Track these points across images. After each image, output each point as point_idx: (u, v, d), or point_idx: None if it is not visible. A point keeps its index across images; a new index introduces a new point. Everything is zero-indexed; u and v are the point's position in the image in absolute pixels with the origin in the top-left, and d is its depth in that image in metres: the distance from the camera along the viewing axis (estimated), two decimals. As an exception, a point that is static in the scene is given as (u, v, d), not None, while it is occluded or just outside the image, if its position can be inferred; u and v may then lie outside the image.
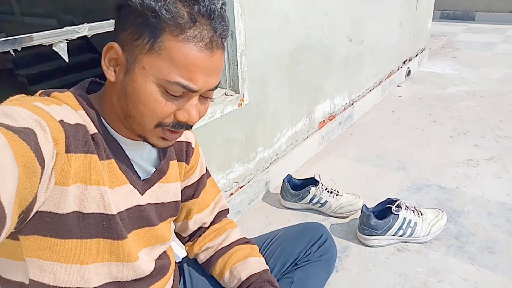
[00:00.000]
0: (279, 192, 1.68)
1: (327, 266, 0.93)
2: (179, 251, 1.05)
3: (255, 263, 0.83)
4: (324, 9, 1.83)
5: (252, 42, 1.42)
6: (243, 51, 1.38)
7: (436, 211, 1.46)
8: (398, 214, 1.38)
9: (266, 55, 1.53)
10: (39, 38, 0.90)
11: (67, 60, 0.96)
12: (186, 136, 0.79)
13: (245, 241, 0.88)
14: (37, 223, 0.53)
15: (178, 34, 0.52)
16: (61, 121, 0.51)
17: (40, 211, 0.52)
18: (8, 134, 0.40)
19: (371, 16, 2.33)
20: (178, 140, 0.76)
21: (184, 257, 0.93)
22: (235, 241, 0.87)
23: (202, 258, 0.86)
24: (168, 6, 0.51)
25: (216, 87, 0.60)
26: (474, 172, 1.83)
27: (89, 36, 0.99)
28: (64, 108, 0.55)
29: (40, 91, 0.59)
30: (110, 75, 0.57)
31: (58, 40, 0.93)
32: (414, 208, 1.43)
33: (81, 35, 0.97)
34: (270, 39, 1.53)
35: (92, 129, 0.58)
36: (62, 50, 0.94)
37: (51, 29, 0.93)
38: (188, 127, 0.60)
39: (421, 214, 1.42)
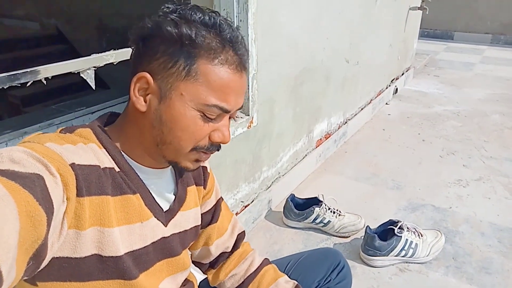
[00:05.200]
0: (281, 210, 1.71)
1: (345, 292, 0.97)
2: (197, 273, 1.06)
3: (284, 284, 0.85)
4: (326, 32, 1.89)
5: (263, 66, 1.46)
6: (255, 75, 1.42)
7: (434, 232, 1.53)
8: (401, 236, 1.43)
9: (275, 78, 1.57)
10: (68, 66, 0.91)
11: (93, 87, 0.96)
12: None
13: (267, 262, 0.90)
14: (54, 269, 0.52)
15: (213, 59, 0.56)
16: (72, 164, 0.51)
17: (57, 257, 0.51)
18: (9, 184, 0.40)
19: (366, 38, 2.42)
20: None
21: (202, 281, 0.94)
22: (260, 265, 0.89)
23: (229, 285, 0.87)
24: (202, 32, 0.55)
25: (241, 107, 0.64)
26: (465, 193, 1.92)
27: (115, 63, 1.00)
28: (78, 148, 0.55)
29: (61, 128, 0.59)
30: (141, 105, 0.58)
31: (87, 67, 0.94)
32: (415, 229, 1.49)
33: (108, 62, 0.98)
34: (279, 63, 1.57)
35: (113, 166, 0.59)
36: (89, 77, 0.95)
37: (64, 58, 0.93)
38: (219, 148, 0.63)
39: (421, 236, 1.48)
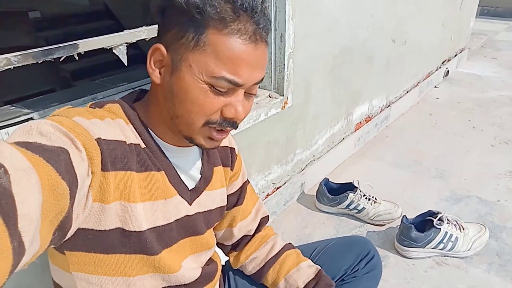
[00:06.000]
0: (314, 194, 1.67)
1: (374, 283, 0.93)
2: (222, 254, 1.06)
3: (307, 268, 0.84)
4: (371, 10, 1.78)
5: (300, 44, 1.40)
6: (291, 53, 1.37)
7: (478, 226, 1.43)
8: (440, 228, 1.35)
9: (311, 57, 1.51)
10: (100, 42, 0.91)
11: (125, 63, 0.97)
12: (229, 141, 0.80)
13: (290, 247, 0.89)
14: (80, 239, 0.54)
15: (222, 28, 0.52)
16: (98, 139, 0.51)
17: (82, 228, 0.53)
18: (33, 158, 0.40)
19: (416, 16, 2.26)
20: (222, 145, 0.77)
21: (226, 261, 0.94)
22: (282, 249, 0.87)
23: (251, 269, 0.87)
24: (212, 2, 0.52)
25: (260, 82, 0.59)
26: (517, 185, 1.77)
27: (147, 39, 1.00)
28: (106, 123, 0.55)
29: (91, 103, 0.60)
30: (156, 76, 0.58)
31: (119, 43, 0.94)
32: (456, 222, 1.40)
33: (140, 38, 0.98)
34: (317, 42, 1.50)
35: (139, 142, 0.59)
36: (121, 53, 0.95)
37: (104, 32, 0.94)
38: (235, 125, 0.59)
39: (463, 229, 1.39)
